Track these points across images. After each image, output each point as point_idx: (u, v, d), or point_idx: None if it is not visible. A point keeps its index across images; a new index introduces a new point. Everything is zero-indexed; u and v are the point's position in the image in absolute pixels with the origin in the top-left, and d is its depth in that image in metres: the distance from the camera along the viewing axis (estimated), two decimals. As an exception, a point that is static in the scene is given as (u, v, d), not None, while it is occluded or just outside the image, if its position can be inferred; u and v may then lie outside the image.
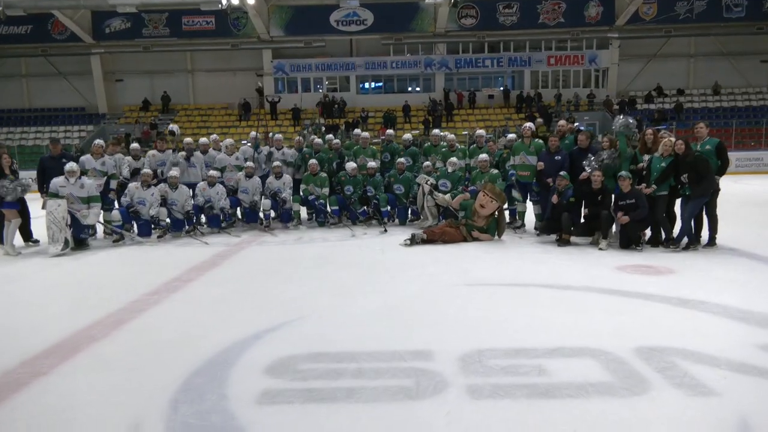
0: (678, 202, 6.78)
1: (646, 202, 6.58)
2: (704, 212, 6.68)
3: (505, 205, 8.05)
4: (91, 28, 28.38)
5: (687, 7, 27.22)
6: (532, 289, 4.98)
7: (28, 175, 8.47)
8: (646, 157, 6.88)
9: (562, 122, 8.37)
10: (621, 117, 7.62)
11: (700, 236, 6.74)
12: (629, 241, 6.70)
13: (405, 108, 27.34)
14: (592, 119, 26.59)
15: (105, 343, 3.81)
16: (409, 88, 29.95)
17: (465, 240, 7.52)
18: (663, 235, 6.87)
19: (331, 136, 10.84)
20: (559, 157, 7.59)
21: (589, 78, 29.33)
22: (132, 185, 8.27)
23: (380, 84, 30.08)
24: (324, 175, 9.36)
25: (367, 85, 30.09)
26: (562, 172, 7.22)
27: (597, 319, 4.05)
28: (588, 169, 7.03)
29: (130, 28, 28.47)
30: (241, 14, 26.98)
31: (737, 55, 28.67)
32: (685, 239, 6.62)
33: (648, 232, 7.00)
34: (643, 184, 6.73)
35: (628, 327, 3.84)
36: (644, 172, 6.82)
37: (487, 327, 3.92)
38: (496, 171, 8.38)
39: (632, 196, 6.61)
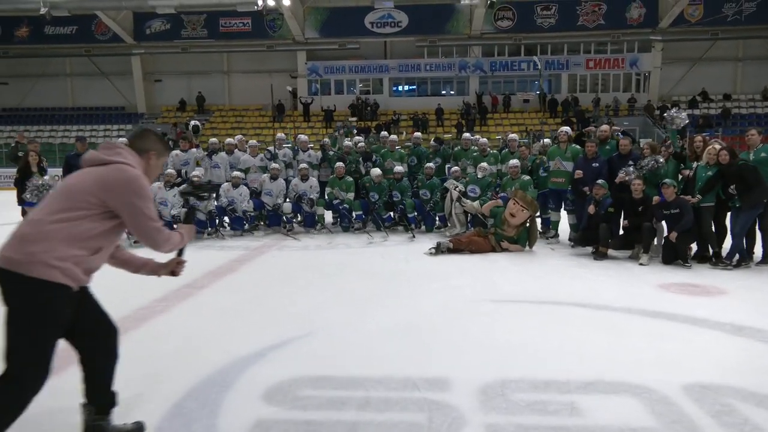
0: (729, 215, 6.22)
1: (692, 212, 6.05)
2: (757, 226, 6.12)
3: (537, 214, 7.61)
4: (133, 29, 29.03)
5: (735, 9, 25.99)
6: (565, 308, 4.55)
7: (58, 172, 8.49)
8: (695, 164, 6.35)
9: (604, 127, 7.84)
10: (672, 111, 7.07)
11: (753, 252, 6.17)
12: (674, 255, 6.18)
13: (438, 111, 26.93)
14: (632, 125, 25.51)
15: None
16: (443, 91, 29.52)
17: (493, 250, 7.11)
18: (710, 251, 6.32)
19: (359, 137, 10.54)
20: (597, 164, 7.11)
21: (629, 82, 28.33)
22: (154, 185, 8.14)
23: (414, 87, 29.74)
24: (350, 179, 9.08)
25: (400, 87, 29.79)
26: (599, 181, 6.73)
27: (638, 346, 3.61)
28: (624, 175, 6.53)
29: (170, 30, 28.99)
30: (276, 16, 27.10)
31: (789, 59, 27.22)
32: (737, 256, 6.05)
33: (694, 247, 6.46)
34: (689, 195, 6.20)
35: (674, 358, 3.39)
36: (688, 176, 6.29)
37: (513, 352, 3.54)
38: (527, 177, 7.94)
39: (676, 206, 6.09)
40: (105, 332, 2.51)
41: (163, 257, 2.68)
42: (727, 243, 6.34)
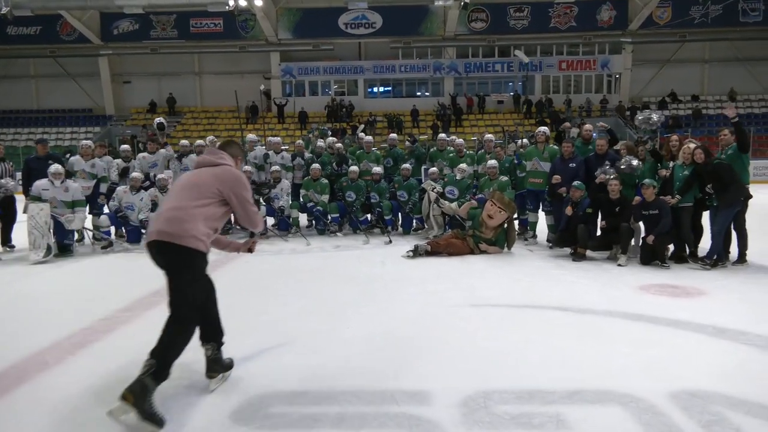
0: (707, 214, 6.22)
1: (670, 213, 6.03)
2: (732, 225, 6.12)
3: (515, 215, 7.53)
4: (100, 29, 28.25)
5: (702, 12, 26.55)
6: (546, 312, 4.44)
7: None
8: (671, 164, 6.33)
9: (588, 126, 7.78)
10: (644, 112, 7.04)
11: (729, 252, 6.18)
12: (652, 256, 6.14)
13: (413, 112, 26.88)
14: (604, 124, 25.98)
15: (56, 371, 3.33)
16: (418, 93, 29.48)
17: (472, 252, 7.00)
18: (687, 250, 6.31)
19: (332, 138, 10.33)
20: (574, 165, 7.05)
21: (601, 83, 28.71)
22: (120, 189, 7.84)
23: (389, 88, 29.64)
24: (325, 181, 8.87)
25: (375, 88, 29.65)
26: (576, 182, 6.67)
27: (622, 352, 3.51)
28: (602, 176, 6.49)
29: (138, 30, 28.30)
30: (249, 16, 26.69)
31: (754, 61, 27.91)
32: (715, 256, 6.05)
33: (671, 247, 6.45)
34: (668, 196, 6.18)
35: (659, 363, 3.30)
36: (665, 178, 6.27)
37: (494, 360, 3.40)
38: (505, 179, 7.86)
39: (656, 206, 6.06)
40: (212, 288, 3.19)
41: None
42: (704, 243, 6.36)
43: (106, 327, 4.16)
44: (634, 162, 6.46)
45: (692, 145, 6.23)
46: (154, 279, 5.63)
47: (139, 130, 26.40)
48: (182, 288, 2.87)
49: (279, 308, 4.65)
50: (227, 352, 3.45)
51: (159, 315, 4.47)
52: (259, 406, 2.82)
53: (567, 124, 7.80)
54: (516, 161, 8.02)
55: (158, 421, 2.61)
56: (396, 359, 3.45)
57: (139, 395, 2.59)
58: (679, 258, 6.32)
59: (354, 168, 8.78)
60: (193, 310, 2.90)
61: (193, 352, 3.13)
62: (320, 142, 9.67)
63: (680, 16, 26.21)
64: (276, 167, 8.83)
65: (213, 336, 3.16)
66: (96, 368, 3.40)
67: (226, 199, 2.94)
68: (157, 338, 2.85)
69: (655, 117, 6.76)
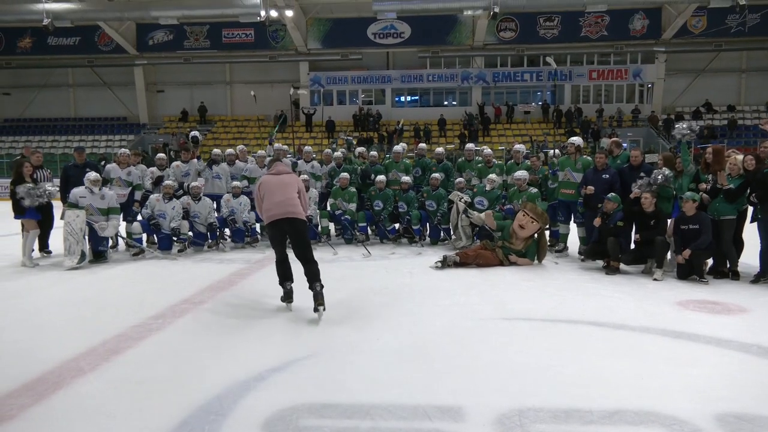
0: (750, 227, 5.99)
1: (711, 230, 5.83)
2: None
3: (547, 227, 7.41)
4: (135, 39, 29.05)
5: (739, 20, 25.91)
6: (581, 327, 4.33)
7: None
8: (709, 177, 6.13)
9: (616, 139, 7.64)
10: (683, 123, 6.85)
11: (772, 267, 5.94)
12: (689, 270, 5.95)
13: (440, 122, 26.83)
14: (636, 135, 25.52)
15: (90, 378, 3.37)
16: (446, 102, 29.43)
17: (501, 264, 6.90)
18: (728, 266, 6.10)
19: (362, 148, 10.35)
20: (608, 176, 6.91)
21: (632, 93, 28.21)
22: (153, 197, 7.97)
23: (416, 97, 29.67)
24: (353, 189, 8.89)
25: (402, 98, 29.72)
26: (610, 195, 6.53)
27: (662, 370, 3.38)
28: (636, 190, 6.34)
29: (172, 40, 29.02)
30: (279, 27, 27.11)
31: (793, 70, 27.12)
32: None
33: (710, 261, 6.24)
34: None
35: (702, 383, 3.18)
36: (703, 193, 6.07)
37: (528, 376, 3.32)
38: (535, 190, 7.74)
39: (696, 221, 5.87)
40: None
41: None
42: (745, 257, 6.14)
43: (138, 334, 4.21)
44: (666, 171, 6.28)
45: (740, 156, 6.03)
46: (185, 286, 5.76)
47: (171, 137, 27.00)
48: (308, 241, 5.04)
49: (306, 319, 4.62)
50: (256, 361, 3.46)
51: (190, 322, 4.55)
52: (291, 418, 2.80)
53: (616, 139, 7.67)
54: (550, 171, 7.90)
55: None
56: (427, 372, 3.40)
57: (322, 299, 4.62)
58: (719, 273, 6.12)
59: (381, 177, 8.77)
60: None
61: (192, 368, 3.13)
62: (338, 153, 9.68)
63: (716, 25, 25.60)
64: (304, 176, 8.87)
65: (315, 279, 4.74)
66: (130, 375, 3.44)
67: (299, 193, 5.04)
68: (310, 273, 4.76)
69: (694, 125, 6.59)
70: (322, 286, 4.68)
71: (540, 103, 28.33)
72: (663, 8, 25.94)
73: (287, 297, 4.94)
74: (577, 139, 7.65)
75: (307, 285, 4.75)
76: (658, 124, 25.75)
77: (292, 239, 4.92)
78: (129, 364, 3.61)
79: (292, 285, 4.95)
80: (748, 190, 5.81)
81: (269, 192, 4.94)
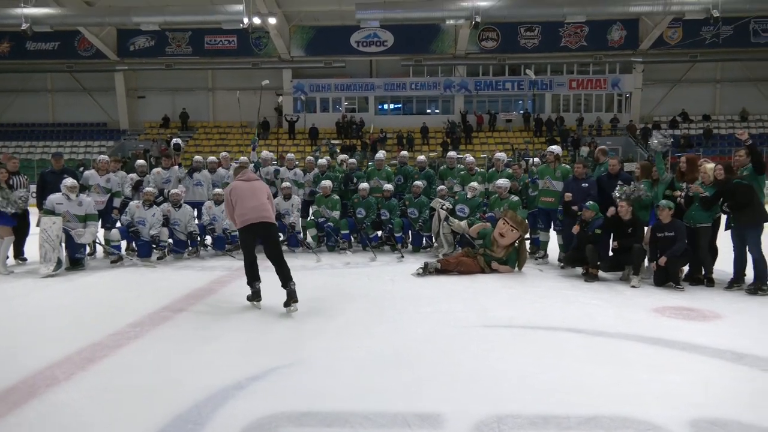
0: (724, 235, 6.12)
1: (686, 237, 5.96)
2: (746, 247, 6.00)
3: (527, 235, 7.48)
4: (116, 45, 28.71)
5: (713, 32, 26.45)
6: (560, 334, 4.38)
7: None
8: (684, 185, 6.25)
9: (602, 147, 7.74)
10: (657, 134, 6.98)
11: (745, 274, 6.06)
12: (666, 277, 6.06)
13: (423, 129, 26.97)
14: (615, 144, 25.87)
15: (65, 387, 3.31)
16: (428, 110, 29.61)
17: (482, 271, 6.94)
18: (703, 272, 6.22)
19: (344, 155, 10.37)
20: (587, 184, 7.01)
21: (611, 102, 28.70)
22: (133, 204, 7.88)
23: (399, 105, 29.81)
24: (336, 197, 8.89)
25: (385, 106, 29.84)
26: (589, 203, 6.63)
27: (639, 377, 3.44)
28: (619, 196, 6.45)
29: (154, 46, 28.76)
30: (262, 34, 27.04)
31: (766, 81, 27.81)
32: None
33: (686, 268, 6.36)
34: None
35: (677, 389, 3.23)
36: (679, 200, 6.19)
37: (508, 383, 3.35)
38: (516, 198, 7.82)
39: (671, 229, 5.99)
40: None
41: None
42: (719, 264, 6.27)
43: (115, 342, 4.15)
44: (642, 186, 6.40)
45: (710, 165, 6.16)
46: (163, 294, 5.70)
47: (151, 143, 26.73)
48: (279, 244, 5.48)
49: (286, 327, 4.61)
50: (235, 370, 3.45)
51: (168, 330, 4.50)
52: (269, 427, 2.78)
53: (603, 147, 7.79)
54: (530, 180, 8.00)
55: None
56: (408, 380, 3.40)
57: (296, 297, 5.00)
58: (694, 280, 6.23)
59: (364, 185, 8.79)
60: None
61: (170, 377, 3.11)
62: (322, 160, 9.69)
63: (691, 36, 26.20)
64: (286, 183, 8.86)
65: (286, 279, 5.07)
66: (106, 383, 3.39)
67: (269, 198, 5.35)
68: (282, 274, 5.09)
69: (668, 137, 6.71)
70: (294, 284, 5.06)
71: (522, 111, 28.66)
72: (640, 20, 26.48)
73: (256, 296, 5.26)
74: (555, 148, 7.76)
75: (281, 285, 5.07)
76: (636, 133, 26.20)
77: (266, 243, 5.28)
78: (105, 373, 3.56)
79: (260, 285, 5.27)
80: (721, 199, 5.94)
81: (242, 197, 5.21)
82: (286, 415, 2.91)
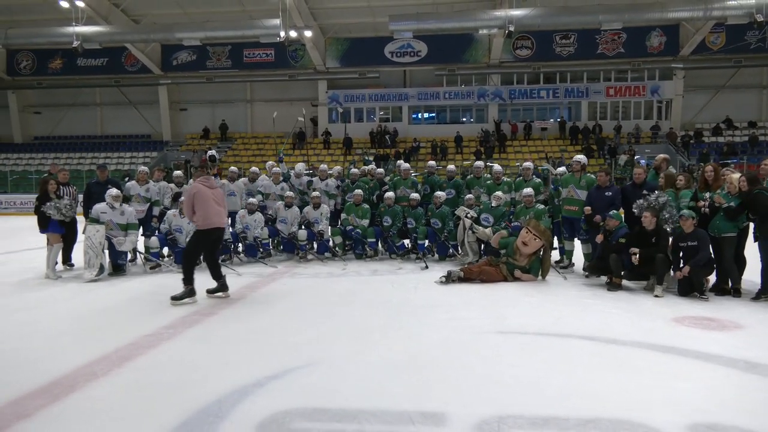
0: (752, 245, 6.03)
1: (709, 245, 5.92)
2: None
3: (555, 243, 7.52)
4: (160, 60, 30.02)
5: (758, 36, 25.70)
6: (574, 342, 4.45)
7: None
8: (707, 195, 6.21)
9: (661, 156, 7.65)
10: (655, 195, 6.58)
11: (775, 285, 5.96)
12: (690, 287, 6.01)
13: (457, 139, 27.04)
14: (654, 152, 25.23)
15: (103, 382, 3.61)
16: (463, 119, 29.67)
17: (505, 280, 7.02)
18: (730, 284, 6.13)
19: (372, 165, 10.62)
20: (610, 193, 7.03)
21: (650, 109, 28.12)
22: (170, 212, 8.31)
23: (433, 114, 30.00)
24: (366, 206, 9.12)
25: (419, 115, 30.07)
26: (612, 212, 6.64)
27: (646, 383, 3.49)
28: (636, 211, 6.45)
29: (195, 60, 29.92)
30: (299, 46, 27.75)
31: (815, 86, 26.77)
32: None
33: (712, 278, 6.29)
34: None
35: (682, 396, 3.28)
36: (703, 211, 6.13)
37: (514, 387, 3.46)
38: (542, 207, 7.87)
39: (694, 238, 5.96)
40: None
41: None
42: (748, 275, 6.18)
43: (150, 342, 4.45)
44: (662, 199, 6.36)
45: (736, 175, 6.10)
46: (197, 299, 6.00)
47: (191, 154, 27.72)
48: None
49: (307, 331, 4.83)
50: (256, 369, 3.68)
51: (199, 332, 4.79)
52: (283, 421, 2.99)
53: (662, 155, 7.73)
54: (552, 188, 8.04)
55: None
56: (418, 383, 3.56)
57: (227, 287, 6.17)
58: (721, 290, 6.16)
59: (389, 194, 9.00)
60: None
61: (197, 374, 3.34)
62: (354, 169, 9.95)
63: (735, 41, 25.47)
64: (316, 193, 9.15)
65: (217, 275, 6.09)
66: (139, 379, 3.67)
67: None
68: (216, 272, 6.08)
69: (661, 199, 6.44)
70: (225, 276, 6.22)
71: (558, 119, 28.38)
72: (681, 25, 25.94)
73: (192, 294, 5.88)
74: (581, 158, 7.78)
75: (213, 277, 6.11)
76: (677, 141, 25.58)
77: (216, 245, 6.14)
78: (139, 370, 3.84)
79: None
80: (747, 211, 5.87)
81: (205, 201, 5.83)
82: (300, 411, 3.11)
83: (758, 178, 5.89)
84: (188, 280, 5.89)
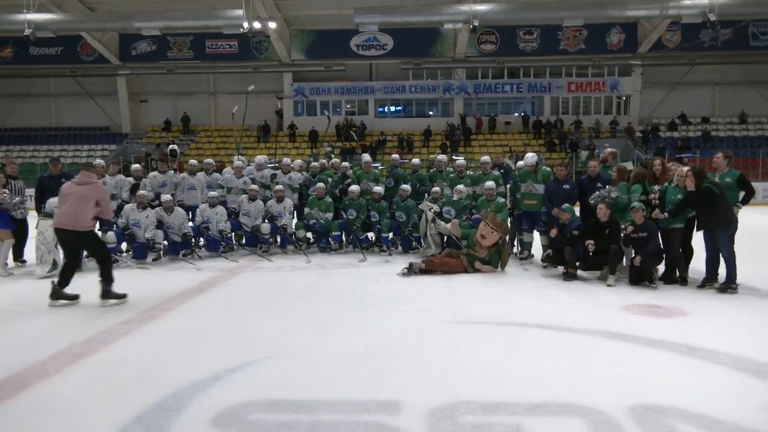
0: (697, 235, 6.31)
1: (659, 236, 6.16)
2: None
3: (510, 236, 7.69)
4: (119, 50, 29.10)
5: (712, 35, 26.64)
6: (529, 330, 4.59)
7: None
8: (656, 188, 6.46)
9: (609, 150, 7.88)
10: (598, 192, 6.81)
11: (717, 273, 6.24)
12: (641, 276, 6.26)
13: (426, 132, 27.21)
14: (613, 146, 25.67)
15: (56, 380, 3.55)
16: (431, 112, 29.85)
17: (466, 271, 7.15)
18: (678, 273, 6.41)
19: (336, 160, 10.62)
20: (568, 186, 7.23)
21: (610, 105, 28.87)
22: (128, 206, 8.13)
23: (399, 108, 30.08)
24: (329, 199, 9.12)
25: (385, 108, 30.11)
26: (564, 205, 6.85)
27: (593, 368, 3.65)
28: (592, 202, 6.67)
29: (156, 51, 29.14)
30: (263, 38, 27.37)
31: (765, 83, 27.93)
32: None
33: (661, 268, 6.56)
34: (656, 210, 6.28)
35: (626, 380, 3.44)
36: (654, 202, 6.39)
37: (469, 374, 3.56)
38: (502, 200, 8.04)
39: (644, 230, 6.19)
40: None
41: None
42: (695, 263, 6.46)
43: (105, 338, 4.38)
44: (613, 194, 6.59)
45: (686, 168, 6.35)
46: (155, 294, 5.94)
47: (153, 148, 27.08)
48: (82, 252, 6.17)
49: (268, 324, 4.83)
50: (215, 363, 3.67)
51: (156, 327, 4.74)
52: (240, 413, 3.00)
53: (609, 150, 7.96)
54: (512, 183, 8.21)
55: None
56: (375, 373, 3.62)
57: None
58: (669, 279, 6.42)
59: (354, 187, 9.02)
60: None
61: (153, 369, 3.33)
62: (315, 163, 9.93)
63: (690, 39, 26.34)
64: (279, 186, 9.10)
65: (106, 276, 5.65)
66: (94, 375, 3.62)
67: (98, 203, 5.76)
68: (70, 273, 5.65)
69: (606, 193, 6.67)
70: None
71: (522, 114, 28.86)
72: (639, 23, 26.67)
73: (65, 296, 5.56)
74: (532, 156, 7.93)
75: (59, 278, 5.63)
76: (635, 135, 26.37)
77: (66, 246, 5.84)
78: (94, 366, 3.79)
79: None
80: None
81: (63, 199, 5.76)
82: (257, 404, 3.14)
83: (704, 173, 6.15)
84: (65, 283, 5.62)
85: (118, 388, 3.39)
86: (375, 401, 3.13)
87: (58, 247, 7.18)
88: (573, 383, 3.40)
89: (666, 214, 6.18)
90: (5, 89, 30.40)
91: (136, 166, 9.49)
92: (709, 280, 6.11)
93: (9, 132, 30.84)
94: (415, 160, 10.22)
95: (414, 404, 3.08)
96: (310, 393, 3.27)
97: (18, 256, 7.95)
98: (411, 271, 6.97)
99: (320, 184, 9.13)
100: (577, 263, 6.70)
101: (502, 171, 8.90)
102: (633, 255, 6.29)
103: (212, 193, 8.77)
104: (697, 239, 6.40)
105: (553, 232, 6.78)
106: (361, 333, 4.55)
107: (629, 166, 7.97)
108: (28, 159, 27.44)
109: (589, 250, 6.43)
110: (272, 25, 24.82)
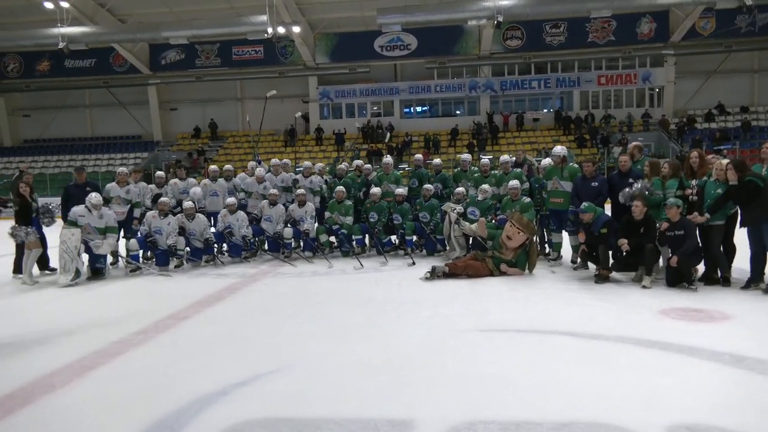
0: (740, 233, 5.89)
1: (696, 234, 5.77)
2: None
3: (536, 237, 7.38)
4: (149, 59, 29.76)
5: (748, 20, 25.56)
6: (556, 338, 4.31)
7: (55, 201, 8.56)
8: (694, 182, 6.07)
9: (633, 143, 7.46)
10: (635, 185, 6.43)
11: (764, 273, 5.82)
12: (679, 277, 5.87)
13: (453, 131, 26.87)
14: (647, 140, 25.17)
15: (61, 394, 3.45)
16: (457, 112, 29.48)
17: (491, 274, 6.87)
18: (719, 273, 5.99)
19: (360, 161, 10.45)
20: (596, 183, 6.88)
21: (642, 97, 27.97)
22: (149, 214, 8.13)
23: (425, 108, 29.81)
24: (349, 203, 8.95)
25: (411, 109, 29.88)
26: (583, 204, 6.48)
27: (626, 380, 3.35)
28: (621, 200, 6.30)
29: (184, 59, 29.67)
30: (288, 42, 27.55)
31: (808, 69, 26.67)
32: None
33: (701, 268, 6.15)
34: (695, 213, 5.92)
35: (662, 393, 3.14)
36: (691, 199, 6.00)
37: (489, 387, 3.31)
38: (528, 200, 7.72)
39: (681, 227, 5.81)
40: None
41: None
42: (738, 262, 6.04)
43: (117, 350, 4.29)
44: (649, 185, 6.21)
45: (725, 161, 5.95)
46: (174, 302, 5.85)
47: (184, 155, 27.51)
48: None
49: (284, 332, 4.68)
50: (224, 376, 3.52)
51: (170, 337, 4.63)
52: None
53: (637, 142, 7.50)
54: (534, 181, 7.87)
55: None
56: (389, 385, 3.41)
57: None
58: (710, 280, 6.02)
59: (375, 190, 8.84)
60: None
61: (161, 383, 3.19)
62: (343, 164, 9.79)
63: (725, 26, 25.31)
64: (301, 190, 8.98)
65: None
66: (99, 390, 3.51)
67: None
68: None
69: (642, 185, 6.31)
70: None
71: (552, 110, 28.21)
72: (670, 11, 25.77)
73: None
74: (561, 149, 7.60)
75: None
76: (670, 128, 25.46)
77: None
78: (101, 380, 3.68)
79: None
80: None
81: None
82: (260, 422, 2.96)
83: (746, 164, 5.74)
84: None
85: (121, 404, 3.27)
86: (386, 419, 2.91)
87: (81, 255, 7.24)
88: (603, 397, 3.12)
89: (707, 215, 5.77)
90: (43, 102, 31.42)
91: (159, 173, 9.51)
92: (754, 280, 5.69)
93: (46, 142, 31.86)
94: (437, 160, 9.98)
95: (427, 423, 2.85)
96: (317, 409, 3.08)
97: (45, 265, 8.00)
98: (434, 275, 6.73)
99: (339, 188, 8.97)
100: (610, 264, 6.34)
101: (524, 168, 8.56)
102: (670, 254, 5.90)
103: (230, 200, 8.68)
104: (740, 236, 5.98)
105: (581, 237, 6.45)
106: (379, 340, 4.35)
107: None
108: (65, 168, 28.26)
109: (622, 249, 6.09)
110: (296, 29, 24.93)
